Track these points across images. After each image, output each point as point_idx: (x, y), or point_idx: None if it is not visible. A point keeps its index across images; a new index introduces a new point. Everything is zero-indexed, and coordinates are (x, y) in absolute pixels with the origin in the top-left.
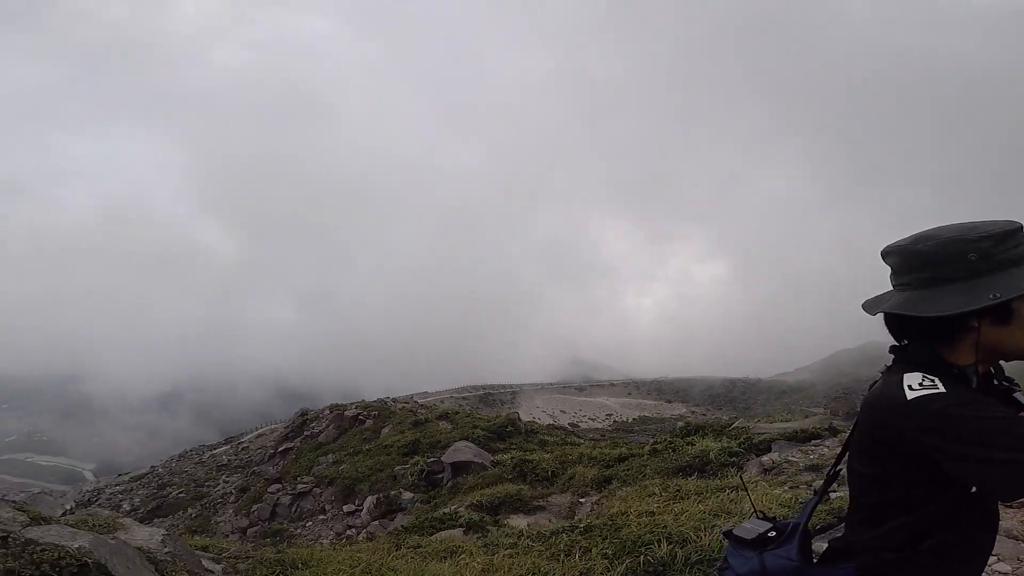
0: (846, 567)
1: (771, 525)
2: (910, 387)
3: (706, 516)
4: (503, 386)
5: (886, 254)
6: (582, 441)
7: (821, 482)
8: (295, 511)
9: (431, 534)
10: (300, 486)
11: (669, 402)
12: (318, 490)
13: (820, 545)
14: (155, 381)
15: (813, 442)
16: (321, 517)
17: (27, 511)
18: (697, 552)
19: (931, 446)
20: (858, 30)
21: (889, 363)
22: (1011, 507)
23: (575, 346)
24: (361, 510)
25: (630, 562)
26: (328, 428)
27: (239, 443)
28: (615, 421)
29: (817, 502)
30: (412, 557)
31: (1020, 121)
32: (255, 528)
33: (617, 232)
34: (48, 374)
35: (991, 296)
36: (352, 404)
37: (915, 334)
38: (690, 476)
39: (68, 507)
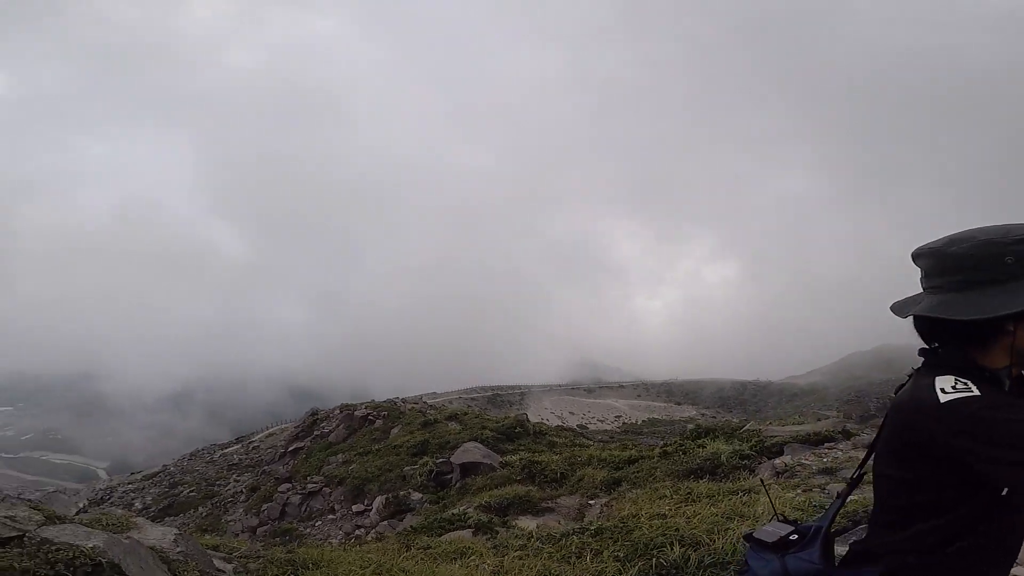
0: (870, 570)
1: (792, 528)
2: (943, 390)
3: (719, 519)
4: (511, 387)
5: (917, 256)
6: (591, 443)
7: (835, 485)
8: (305, 511)
9: (440, 535)
10: (310, 486)
11: (679, 404)
12: (328, 490)
13: (840, 549)
14: (168, 380)
15: (826, 445)
16: (330, 517)
17: (42, 510)
18: (710, 555)
19: (963, 449)
20: (870, 29)
21: (916, 366)
22: None
23: (584, 347)
24: (370, 510)
25: (642, 565)
26: (338, 428)
27: (250, 442)
28: (624, 423)
29: (840, 505)
30: (422, 558)
31: None
32: (265, 527)
33: (627, 233)
34: (63, 373)
35: None
36: (362, 404)
37: (947, 337)
38: (701, 479)
39: (81, 505)
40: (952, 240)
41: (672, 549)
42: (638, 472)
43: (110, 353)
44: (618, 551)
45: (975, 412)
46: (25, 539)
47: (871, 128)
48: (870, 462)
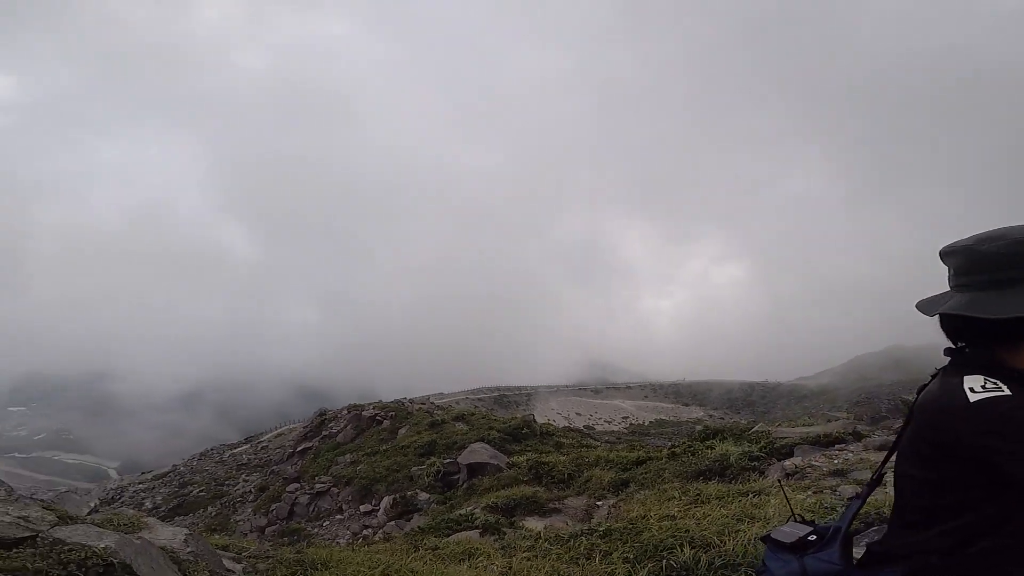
0: (891, 571)
1: (811, 529)
2: (971, 389)
3: (729, 521)
4: (518, 388)
5: (947, 254)
6: (598, 444)
7: (847, 487)
8: (313, 510)
9: (447, 535)
10: (318, 486)
11: (686, 405)
12: (336, 490)
13: (853, 551)
14: (178, 380)
15: (837, 446)
16: (338, 517)
17: (55, 510)
18: (721, 557)
19: (992, 448)
20: (881, 28)
21: (937, 366)
22: None
23: (592, 348)
24: (378, 510)
25: (652, 567)
26: (346, 428)
27: (259, 442)
28: (631, 424)
29: (860, 506)
30: (430, 559)
31: None
32: (273, 527)
33: (636, 233)
34: (76, 373)
35: None
36: (370, 404)
37: (975, 336)
38: (710, 480)
39: (93, 505)
40: (984, 238)
41: (683, 551)
42: (646, 473)
43: (122, 353)
44: (628, 553)
45: (1005, 412)
46: (38, 539)
47: (881, 128)
48: (889, 463)
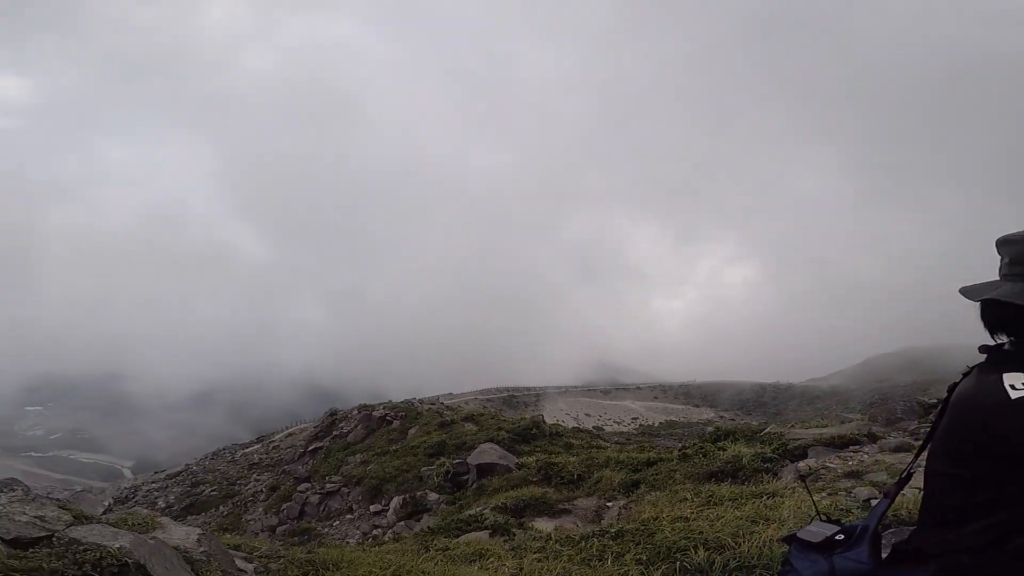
0: (921, 570)
1: (839, 528)
2: (1012, 386)
3: (743, 522)
4: (527, 388)
5: (1004, 243)
6: (608, 444)
7: (862, 488)
8: (323, 510)
9: (457, 536)
10: (328, 485)
11: (697, 406)
12: (346, 489)
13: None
14: (191, 380)
15: (851, 448)
16: (348, 516)
17: (71, 509)
18: (736, 559)
19: None
20: (892, 26)
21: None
22: None
23: (601, 349)
24: (387, 510)
25: (666, 568)
26: (356, 428)
27: (270, 442)
28: (641, 425)
29: (889, 504)
30: (441, 560)
31: None
32: (284, 527)
33: (646, 233)
34: (91, 373)
35: None
36: (380, 405)
37: (1020, 327)
38: (723, 482)
39: (107, 504)
40: None
41: (696, 552)
42: (657, 474)
43: (136, 353)
44: (640, 554)
45: None
46: (54, 539)
47: (892, 127)
48: (918, 461)
